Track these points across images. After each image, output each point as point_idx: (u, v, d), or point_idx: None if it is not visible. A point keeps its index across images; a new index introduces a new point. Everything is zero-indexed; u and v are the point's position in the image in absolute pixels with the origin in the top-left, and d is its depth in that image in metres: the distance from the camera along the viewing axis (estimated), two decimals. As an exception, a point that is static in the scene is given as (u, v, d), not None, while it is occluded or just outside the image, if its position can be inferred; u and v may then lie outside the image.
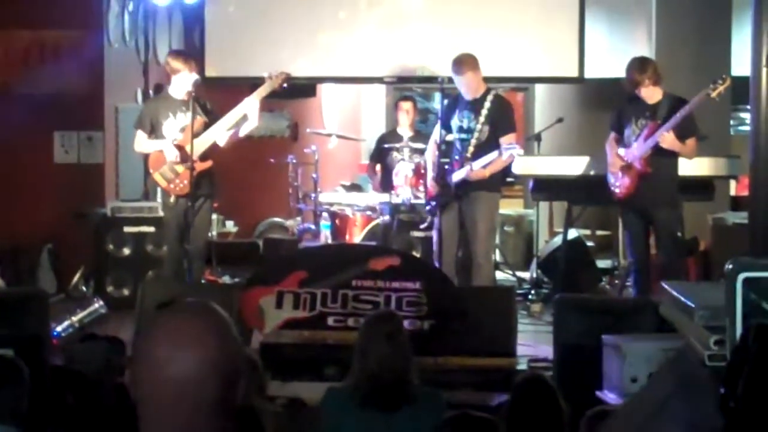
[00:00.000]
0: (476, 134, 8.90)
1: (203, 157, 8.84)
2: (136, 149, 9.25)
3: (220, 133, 8.84)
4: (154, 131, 8.94)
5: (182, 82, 8.86)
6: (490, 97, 8.95)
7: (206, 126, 8.87)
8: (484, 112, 8.89)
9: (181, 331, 2.23)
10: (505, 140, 8.85)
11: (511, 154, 8.69)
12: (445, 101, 9.23)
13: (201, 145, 8.79)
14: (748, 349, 2.40)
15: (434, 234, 9.09)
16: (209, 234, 9.54)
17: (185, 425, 2.18)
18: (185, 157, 8.75)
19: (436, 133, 9.23)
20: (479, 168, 8.74)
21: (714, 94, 8.33)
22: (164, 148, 8.83)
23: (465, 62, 8.92)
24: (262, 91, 8.97)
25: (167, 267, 9.08)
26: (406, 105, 11.11)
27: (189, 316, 2.28)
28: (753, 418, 2.33)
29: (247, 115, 8.89)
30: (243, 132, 8.97)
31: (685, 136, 8.44)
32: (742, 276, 2.83)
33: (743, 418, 2.36)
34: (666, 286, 3.56)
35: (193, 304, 2.31)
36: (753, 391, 2.35)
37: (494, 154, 8.67)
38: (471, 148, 8.89)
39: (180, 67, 8.88)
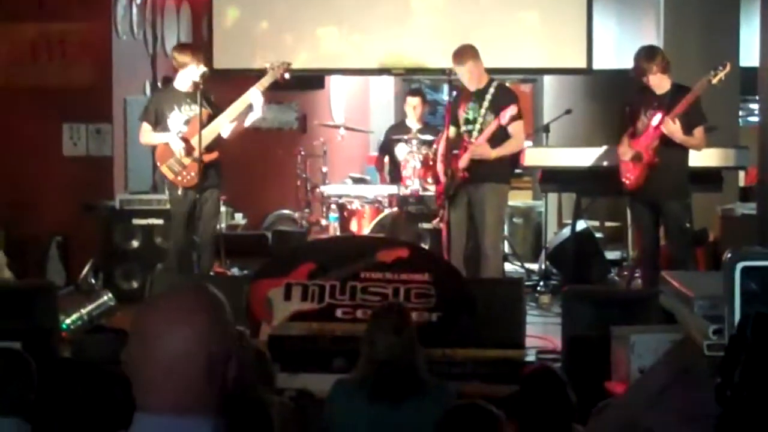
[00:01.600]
0: (480, 121, 8.92)
1: (209, 149, 8.90)
2: (141, 141, 9.33)
3: (223, 125, 8.89)
4: (159, 124, 9.02)
5: (189, 75, 8.92)
6: (493, 85, 8.99)
7: (210, 118, 8.93)
8: (488, 98, 8.92)
9: (173, 307, 2.27)
10: (512, 127, 8.90)
11: (511, 116, 8.73)
12: (453, 93, 9.25)
13: (207, 136, 8.85)
14: (746, 338, 2.40)
15: (443, 226, 9.10)
16: (218, 225, 9.56)
17: (174, 400, 2.20)
18: (191, 149, 8.81)
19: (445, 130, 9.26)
20: (483, 143, 8.75)
21: (714, 80, 8.30)
22: (170, 140, 8.90)
23: (465, 52, 8.97)
24: (264, 82, 9.02)
25: (173, 259, 9.12)
26: (414, 101, 11.10)
27: (182, 294, 2.34)
28: (749, 407, 2.33)
29: (251, 106, 8.93)
30: (247, 123, 9.03)
31: (693, 125, 8.41)
32: (740, 265, 2.82)
33: (740, 407, 2.37)
34: (666, 276, 3.56)
35: (189, 285, 2.36)
36: (749, 381, 2.35)
37: (494, 124, 8.74)
38: (476, 134, 8.92)
39: (188, 60, 8.93)
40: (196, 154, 8.83)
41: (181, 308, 2.26)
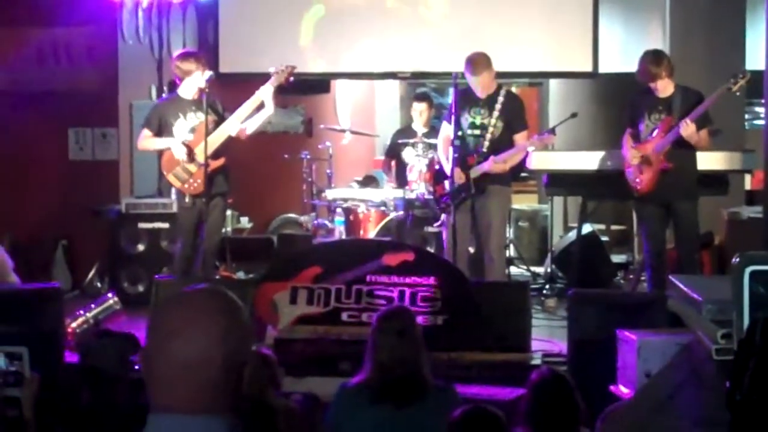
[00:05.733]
0: (491, 130, 8.91)
1: (216, 155, 8.79)
2: (140, 147, 9.21)
3: (233, 126, 8.79)
4: (163, 132, 8.89)
5: (194, 82, 8.82)
6: (502, 93, 8.96)
7: (216, 125, 8.82)
8: (498, 107, 8.89)
9: (191, 307, 2.27)
10: (520, 138, 8.91)
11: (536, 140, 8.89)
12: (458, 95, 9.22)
13: (213, 142, 8.75)
14: (755, 343, 2.39)
15: (444, 230, 9.09)
16: (222, 231, 9.49)
17: (190, 400, 2.20)
18: (194, 156, 8.74)
19: (444, 130, 9.21)
20: (501, 162, 8.78)
21: (735, 89, 8.31)
22: (172, 145, 8.80)
23: (480, 63, 8.88)
24: (274, 82, 8.90)
25: (178, 266, 9.03)
26: (420, 105, 11.10)
27: (201, 296, 2.33)
28: (759, 412, 2.33)
29: (263, 103, 8.83)
30: (261, 119, 8.90)
31: (700, 127, 8.40)
32: (749, 269, 2.82)
33: (749, 411, 2.36)
34: (674, 280, 3.56)
35: (207, 287, 2.36)
36: (759, 385, 2.35)
37: (514, 150, 8.79)
38: (486, 143, 8.90)
39: (192, 68, 8.83)
40: (201, 160, 8.76)
41: (200, 308, 2.26)
